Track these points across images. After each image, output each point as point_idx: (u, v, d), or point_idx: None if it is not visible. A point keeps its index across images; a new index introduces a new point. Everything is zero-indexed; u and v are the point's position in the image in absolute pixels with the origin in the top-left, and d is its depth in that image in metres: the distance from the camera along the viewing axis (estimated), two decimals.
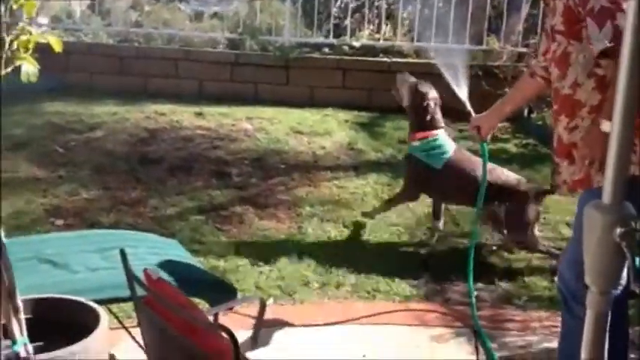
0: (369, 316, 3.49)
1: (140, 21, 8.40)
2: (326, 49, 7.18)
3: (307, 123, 6.19)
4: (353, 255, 4.14)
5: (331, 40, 7.35)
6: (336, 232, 4.42)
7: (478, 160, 3.90)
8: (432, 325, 3.48)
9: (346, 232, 4.42)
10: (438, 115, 4.26)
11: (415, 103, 4.26)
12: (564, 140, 2.53)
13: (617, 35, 2.24)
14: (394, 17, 7.99)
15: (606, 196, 1.42)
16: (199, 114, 6.25)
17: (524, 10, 7.41)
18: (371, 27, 7.89)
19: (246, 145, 5.60)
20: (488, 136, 3.25)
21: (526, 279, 3.90)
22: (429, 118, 4.21)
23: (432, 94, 4.29)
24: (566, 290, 2.51)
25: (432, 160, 4.18)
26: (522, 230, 4.02)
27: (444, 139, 4.26)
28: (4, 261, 2.18)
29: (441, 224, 4.43)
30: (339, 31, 7.84)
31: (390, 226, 4.49)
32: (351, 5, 8.30)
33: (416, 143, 4.26)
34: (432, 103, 4.24)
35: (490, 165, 3.71)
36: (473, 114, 3.31)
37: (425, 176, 4.23)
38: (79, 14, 9.35)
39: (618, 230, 1.39)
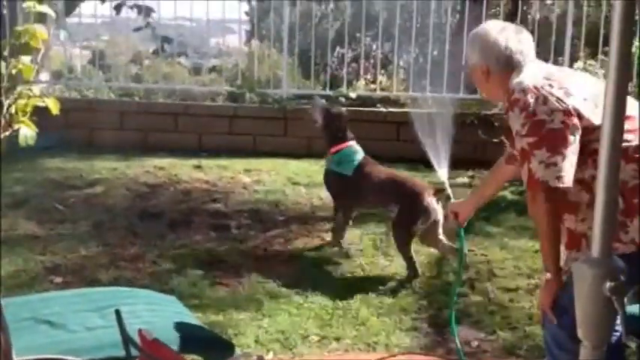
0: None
1: (140, 75, 8.55)
2: (323, 101, 7.24)
3: (305, 174, 6.23)
4: (353, 307, 4.11)
5: (328, 91, 7.45)
6: (335, 282, 4.40)
7: (386, 169, 4.81)
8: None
9: (346, 283, 4.40)
10: (347, 132, 4.80)
11: (328, 122, 4.79)
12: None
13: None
14: (390, 67, 8.13)
15: (595, 250, 1.44)
16: (198, 167, 6.30)
17: None
18: (367, 77, 8.00)
19: (245, 198, 5.63)
20: (465, 222, 3.21)
21: (527, 328, 3.86)
22: (340, 134, 4.75)
23: (342, 113, 4.94)
24: (550, 337, 2.50)
25: (343, 167, 4.68)
26: (409, 228, 4.41)
27: (355, 148, 4.75)
28: (1, 322, 2.17)
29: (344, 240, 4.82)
30: (336, 81, 7.95)
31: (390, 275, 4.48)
32: (347, 56, 8.43)
33: (330, 157, 4.78)
34: (342, 121, 4.82)
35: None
36: (452, 198, 3.30)
37: (341, 185, 4.70)
38: (80, 69, 9.51)
39: (608, 284, 1.40)
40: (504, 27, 2.57)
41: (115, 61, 10.14)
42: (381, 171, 4.73)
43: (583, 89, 2.41)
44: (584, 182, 2.36)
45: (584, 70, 6.16)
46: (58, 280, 4.33)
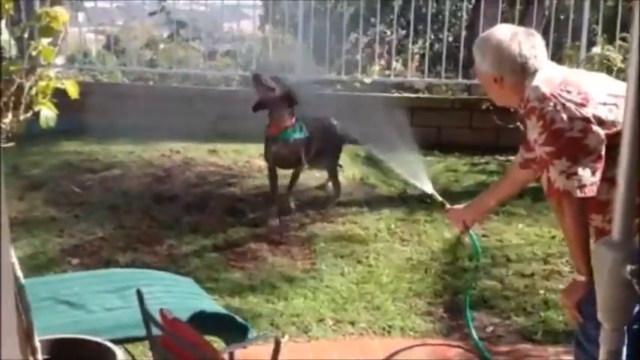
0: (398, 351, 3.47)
1: (155, 60, 8.56)
2: (338, 86, 7.25)
3: None
4: (368, 290, 4.13)
5: (342, 76, 7.43)
6: (349, 267, 4.42)
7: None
8: None
9: (360, 268, 4.42)
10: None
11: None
12: None
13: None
14: (405, 52, 8.09)
15: (616, 233, 1.44)
16: (213, 151, 6.31)
17: None
18: (381, 62, 7.98)
19: (260, 182, 5.64)
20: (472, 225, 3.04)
21: (542, 314, 3.87)
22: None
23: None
24: (580, 328, 2.49)
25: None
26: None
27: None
28: (23, 302, 2.20)
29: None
30: (350, 67, 7.93)
31: (405, 260, 4.49)
32: (362, 41, 8.40)
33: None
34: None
35: None
36: (447, 205, 3.07)
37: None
38: (95, 54, 9.54)
39: (628, 267, 1.40)
40: (515, 32, 2.44)
41: (130, 45, 10.17)
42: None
43: (602, 92, 2.34)
44: (613, 182, 2.32)
45: (601, 55, 6.09)
46: (76, 261, 4.37)
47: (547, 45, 7.17)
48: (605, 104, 2.31)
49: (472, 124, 6.75)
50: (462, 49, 7.26)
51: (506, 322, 3.84)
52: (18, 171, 5.55)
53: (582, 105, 2.29)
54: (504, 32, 2.46)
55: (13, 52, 2.26)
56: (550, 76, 2.39)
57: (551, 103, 2.29)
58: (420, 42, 9.25)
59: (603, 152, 2.27)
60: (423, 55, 8.21)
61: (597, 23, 7.39)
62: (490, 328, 3.77)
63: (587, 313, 2.37)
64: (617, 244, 1.42)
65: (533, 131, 2.36)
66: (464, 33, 7.61)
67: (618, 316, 1.46)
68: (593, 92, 2.33)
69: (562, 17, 8.29)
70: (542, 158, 2.36)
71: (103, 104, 7.03)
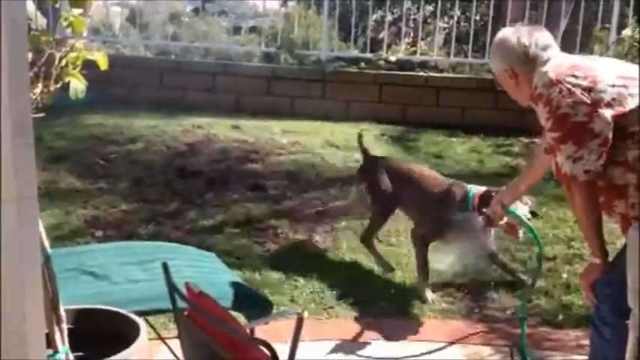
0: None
1: (178, 34, 8.55)
2: (362, 64, 7.20)
3: (343, 137, 6.22)
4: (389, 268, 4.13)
5: (367, 54, 7.38)
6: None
7: None
8: (468, 342, 3.45)
9: (380, 246, 4.41)
10: None
11: None
12: None
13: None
14: (431, 30, 8.01)
15: None
16: (236, 127, 6.32)
17: (563, 25, 7.36)
18: (407, 40, 7.91)
19: (282, 159, 5.64)
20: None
21: (564, 297, 3.84)
22: None
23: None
24: (595, 310, 2.49)
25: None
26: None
27: None
28: (49, 271, 2.23)
29: None
30: (375, 44, 7.87)
31: None
32: (388, 19, 8.32)
33: None
34: None
35: None
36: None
37: None
38: (118, 27, 9.55)
39: None
40: (517, 28, 2.59)
41: (153, 19, 10.15)
42: None
43: (611, 75, 2.35)
44: (627, 165, 2.32)
45: (632, 38, 5.99)
46: (99, 233, 4.41)
47: (576, 27, 7.07)
48: (613, 86, 2.32)
49: (497, 104, 6.67)
50: (489, 28, 7.17)
51: (527, 304, 3.82)
52: (42, 142, 5.59)
53: (589, 89, 2.31)
54: (507, 30, 2.62)
55: (40, 22, 2.26)
56: (558, 63, 2.44)
57: (557, 89, 2.33)
58: (447, 20, 9.15)
59: (610, 135, 2.29)
60: (449, 34, 8.11)
61: (628, 5, 7.25)
62: (511, 310, 3.76)
63: (602, 296, 2.40)
64: None
65: (542, 117, 2.40)
66: (491, 12, 7.50)
67: None
68: (601, 75, 2.35)
69: None
70: (550, 144, 2.40)
71: (126, 77, 7.06)
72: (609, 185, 2.36)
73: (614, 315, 2.29)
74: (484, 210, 3.30)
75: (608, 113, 2.28)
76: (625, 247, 2.25)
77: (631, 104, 2.29)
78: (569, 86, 2.31)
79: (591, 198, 2.37)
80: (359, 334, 3.50)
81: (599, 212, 2.41)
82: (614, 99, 2.30)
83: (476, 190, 3.75)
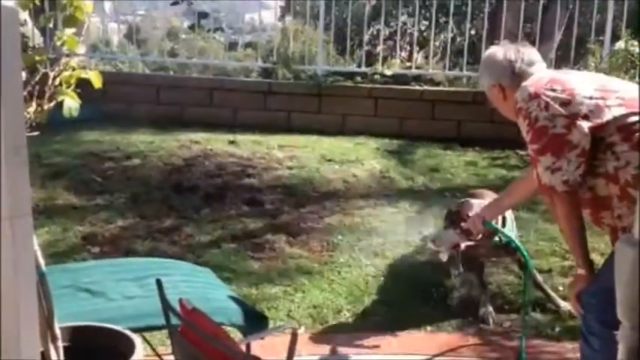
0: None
1: (176, 49, 8.60)
2: (358, 78, 7.23)
3: (339, 151, 6.24)
4: (385, 283, 4.14)
5: (363, 68, 7.41)
6: (367, 260, 4.43)
7: None
8: (464, 355, 3.46)
9: (378, 261, 4.42)
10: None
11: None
12: None
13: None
14: (426, 45, 8.05)
15: (637, 231, 1.43)
16: (233, 142, 6.34)
17: (557, 37, 7.41)
18: (402, 54, 7.95)
19: (279, 173, 5.66)
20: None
21: (559, 310, 3.84)
22: None
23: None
24: (582, 320, 2.51)
25: None
26: None
27: None
28: (44, 289, 2.23)
29: None
30: (371, 58, 7.91)
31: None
32: (384, 33, 8.37)
33: None
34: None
35: None
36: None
37: None
38: (116, 43, 9.60)
39: None
40: (504, 45, 2.68)
41: (151, 35, 10.20)
42: None
43: (589, 87, 2.40)
44: (608, 175, 2.36)
45: (626, 50, 6.03)
46: (96, 249, 4.42)
47: (570, 39, 7.10)
48: (591, 98, 2.37)
49: (493, 117, 6.69)
50: (483, 41, 7.21)
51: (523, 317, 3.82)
52: (40, 159, 5.60)
53: (567, 101, 2.36)
54: (495, 47, 2.70)
55: (37, 41, 2.29)
56: (539, 77, 2.50)
57: (535, 103, 2.38)
58: (442, 34, 9.20)
59: (588, 146, 2.33)
60: (444, 48, 8.15)
61: (621, 19, 7.31)
62: (507, 324, 3.76)
63: (588, 306, 2.43)
64: (638, 242, 1.41)
65: (523, 131, 2.44)
66: (486, 26, 7.56)
67: (637, 314, 1.44)
68: (579, 88, 2.39)
69: (586, 11, 8.20)
70: (530, 156, 2.44)
71: (123, 94, 7.09)
72: (594, 197, 2.40)
73: (602, 325, 2.32)
74: (462, 224, 3.28)
75: (585, 125, 2.33)
76: (611, 257, 2.28)
77: (608, 116, 2.33)
78: (548, 99, 2.36)
79: (572, 208, 2.40)
80: (354, 349, 3.50)
81: (580, 222, 2.44)
82: (591, 111, 2.34)
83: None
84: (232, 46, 8.63)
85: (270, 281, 4.13)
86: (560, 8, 7.52)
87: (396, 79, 7.18)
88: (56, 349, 2.33)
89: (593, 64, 6.64)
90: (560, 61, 7.09)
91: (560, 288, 4.03)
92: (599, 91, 2.38)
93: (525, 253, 3.17)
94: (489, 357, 3.46)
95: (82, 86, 2.37)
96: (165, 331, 3.14)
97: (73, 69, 2.15)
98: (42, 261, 2.29)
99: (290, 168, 5.79)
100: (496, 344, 3.57)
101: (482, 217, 3.07)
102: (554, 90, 2.38)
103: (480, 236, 3.21)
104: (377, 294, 4.03)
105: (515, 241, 3.23)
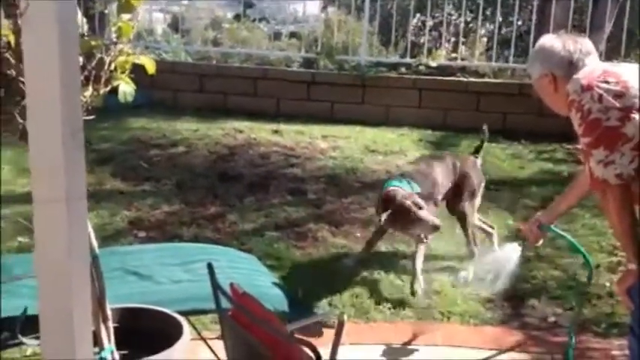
0: None
1: (219, 39, 8.65)
2: (402, 69, 7.20)
3: (382, 142, 6.22)
4: (427, 274, 4.11)
5: (407, 59, 7.36)
6: (408, 250, 4.40)
7: None
8: (509, 350, 3.42)
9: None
10: None
11: None
12: None
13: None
14: (472, 36, 7.95)
15: None
16: (276, 131, 6.36)
17: (607, 28, 7.25)
18: (447, 46, 7.88)
19: (322, 163, 5.66)
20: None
21: (606, 306, 3.78)
22: None
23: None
24: (632, 316, 2.46)
25: None
26: None
27: None
28: (97, 271, 2.28)
29: None
30: (415, 49, 7.85)
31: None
32: (428, 23, 8.30)
33: None
34: None
35: None
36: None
37: None
38: (160, 32, 9.69)
39: None
40: (559, 34, 2.61)
41: (194, 25, 10.28)
42: None
43: None
44: None
45: None
46: (142, 234, 4.49)
47: (620, 31, 6.95)
48: None
49: (540, 110, 6.59)
50: (532, 33, 7.10)
51: (568, 312, 3.77)
52: (88, 145, 5.69)
53: (621, 94, 2.30)
54: (550, 36, 2.63)
55: (85, 28, 2.32)
56: (591, 69, 2.44)
57: (589, 95, 2.32)
58: (488, 25, 9.08)
59: None
60: (490, 39, 8.04)
61: None
62: (552, 319, 3.72)
63: (637, 301, 2.38)
64: None
65: (575, 124, 2.39)
66: (534, 17, 7.43)
67: None
68: (632, 80, 2.33)
69: (636, 2, 8.00)
70: (583, 150, 2.38)
71: (168, 82, 7.18)
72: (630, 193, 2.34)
73: None
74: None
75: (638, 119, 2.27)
76: None
77: None
78: (601, 91, 2.31)
79: (624, 203, 2.34)
80: (399, 340, 3.49)
81: (633, 217, 2.38)
82: None
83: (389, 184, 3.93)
84: (276, 36, 8.64)
85: (312, 270, 4.13)
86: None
87: (441, 70, 7.13)
88: (107, 329, 2.38)
89: None
90: (611, 53, 6.93)
91: (607, 284, 3.97)
92: None
93: (586, 255, 3.10)
94: (534, 352, 3.42)
95: (131, 73, 2.40)
96: (209, 316, 3.20)
97: (128, 54, 2.18)
98: (95, 243, 2.34)
99: (333, 158, 5.79)
100: (538, 339, 3.53)
101: (539, 222, 2.99)
102: (607, 82, 2.33)
103: (541, 242, 3.12)
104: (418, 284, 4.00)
105: (576, 244, 3.15)
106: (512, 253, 3.16)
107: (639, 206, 2.40)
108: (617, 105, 2.29)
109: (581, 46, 2.51)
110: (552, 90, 2.55)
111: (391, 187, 3.94)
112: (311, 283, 3.95)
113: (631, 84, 2.32)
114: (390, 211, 3.77)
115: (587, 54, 2.51)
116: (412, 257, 4.02)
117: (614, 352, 3.40)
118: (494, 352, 3.38)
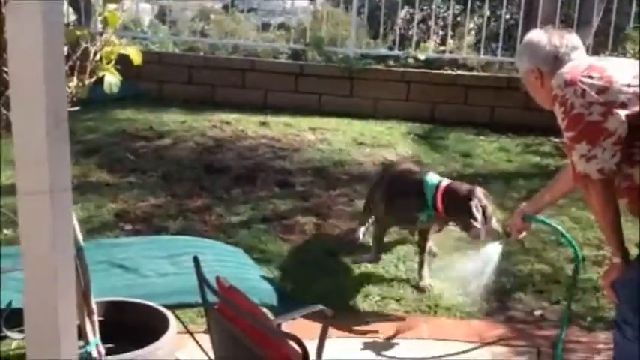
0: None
1: (206, 30, 8.61)
2: (390, 61, 7.18)
3: (370, 134, 6.21)
4: (414, 267, 4.12)
5: (396, 52, 7.35)
6: (397, 243, 4.41)
7: None
8: (494, 344, 3.43)
9: (406, 248, 4.39)
10: None
11: None
12: None
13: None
14: (460, 29, 7.95)
15: None
16: (264, 124, 6.34)
17: (595, 23, 7.27)
18: (435, 39, 7.87)
19: (310, 156, 5.65)
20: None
21: (592, 299, 3.80)
22: None
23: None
24: (617, 309, 2.48)
25: None
26: None
27: None
28: (82, 263, 2.26)
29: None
30: (403, 42, 7.84)
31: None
32: (417, 16, 8.29)
33: None
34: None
35: None
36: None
37: None
38: (147, 23, 9.64)
39: None
40: (547, 29, 2.61)
41: (182, 16, 10.24)
42: None
43: (627, 75, 2.34)
44: None
45: None
46: (128, 227, 4.46)
47: (608, 25, 6.97)
48: (629, 86, 2.31)
49: (528, 104, 6.61)
50: (519, 26, 7.11)
51: (554, 306, 3.79)
52: (74, 136, 5.64)
53: (604, 88, 2.31)
54: (537, 30, 2.64)
55: (72, 18, 2.29)
56: (576, 64, 2.44)
57: (572, 89, 2.33)
58: (477, 19, 9.09)
59: (624, 134, 2.28)
60: (478, 32, 8.05)
61: None
62: (538, 312, 3.73)
63: (622, 295, 2.41)
64: None
65: (558, 118, 2.40)
66: (522, 10, 7.44)
67: None
68: (617, 75, 2.34)
69: None
70: (565, 144, 2.39)
71: (154, 73, 7.13)
72: (631, 186, 2.37)
73: (636, 314, 2.28)
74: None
75: (622, 113, 2.28)
76: None
77: None
78: (584, 86, 2.32)
79: (607, 197, 2.36)
80: (385, 333, 3.49)
81: (616, 212, 2.40)
82: (629, 99, 2.29)
83: (436, 180, 3.78)
84: (264, 27, 8.62)
85: (299, 263, 4.12)
86: None
87: (429, 63, 7.12)
88: (92, 322, 2.36)
89: (631, 51, 6.51)
90: (598, 47, 6.95)
91: (593, 277, 3.98)
92: (637, 78, 2.33)
93: (576, 246, 3.11)
94: (520, 345, 3.43)
95: (117, 64, 2.37)
96: (195, 309, 3.18)
97: (114, 45, 2.15)
98: (80, 235, 2.32)
99: (321, 150, 5.78)
100: (524, 332, 3.54)
101: (523, 212, 3.00)
102: (591, 77, 2.34)
103: (525, 234, 3.13)
104: (406, 277, 4.01)
105: (564, 232, 3.16)
106: (493, 252, 3.19)
107: (623, 200, 2.41)
108: (600, 100, 2.29)
109: (567, 41, 2.52)
110: (539, 85, 2.55)
111: (448, 182, 3.80)
112: (298, 276, 3.95)
113: (615, 79, 2.32)
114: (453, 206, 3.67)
115: (574, 49, 2.51)
116: (419, 253, 4.03)
117: (600, 346, 3.42)
118: (476, 344, 3.40)
